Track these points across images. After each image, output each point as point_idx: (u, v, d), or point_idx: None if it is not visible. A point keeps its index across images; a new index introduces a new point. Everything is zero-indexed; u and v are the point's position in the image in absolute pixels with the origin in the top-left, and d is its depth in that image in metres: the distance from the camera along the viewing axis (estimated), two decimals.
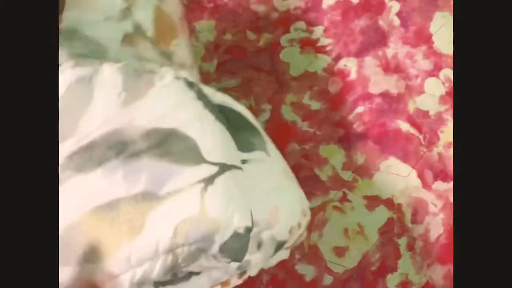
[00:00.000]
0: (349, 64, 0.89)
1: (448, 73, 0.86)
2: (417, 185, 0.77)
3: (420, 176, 0.78)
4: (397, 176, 0.77)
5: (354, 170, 0.78)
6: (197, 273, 0.46)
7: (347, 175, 0.78)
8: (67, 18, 0.50)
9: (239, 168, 0.46)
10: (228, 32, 0.94)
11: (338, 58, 0.90)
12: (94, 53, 0.48)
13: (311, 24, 0.94)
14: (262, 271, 0.71)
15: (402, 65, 0.88)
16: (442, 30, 0.91)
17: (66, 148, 0.42)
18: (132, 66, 0.45)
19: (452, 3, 0.94)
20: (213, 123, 0.45)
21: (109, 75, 0.44)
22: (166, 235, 0.40)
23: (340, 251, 0.73)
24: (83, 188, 0.41)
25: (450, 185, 0.77)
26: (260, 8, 0.96)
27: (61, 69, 0.42)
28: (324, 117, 0.84)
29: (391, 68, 0.88)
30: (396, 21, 0.93)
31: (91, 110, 0.43)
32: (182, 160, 0.42)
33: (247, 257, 0.45)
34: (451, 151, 0.79)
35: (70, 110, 0.43)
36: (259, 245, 0.47)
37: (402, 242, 0.73)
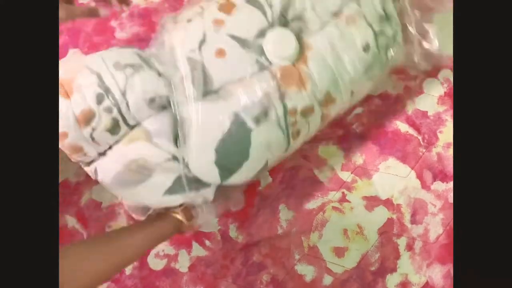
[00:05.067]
0: None
1: (447, 73, 0.86)
2: (416, 186, 0.77)
3: (419, 176, 0.78)
4: (396, 177, 0.78)
5: (353, 170, 0.79)
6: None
7: (346, 176, 0.78)
8: None
9: None
10: None
11: None
12: None
13: None
14: (262, 271, 0.72)
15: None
16: (441, 31, 0.91)
17: None
18: None
19: (451, 3, 0.94)
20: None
21: None
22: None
23: (339, 252, 0.73)
24: None
25: (449, 185, 0.77)
26: None
27: None
28: None
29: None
30: None
31: None
32: None
33: None
34: (450, 152, 0.79)
35: None
36: None
37: (402, 242, 0.74)
